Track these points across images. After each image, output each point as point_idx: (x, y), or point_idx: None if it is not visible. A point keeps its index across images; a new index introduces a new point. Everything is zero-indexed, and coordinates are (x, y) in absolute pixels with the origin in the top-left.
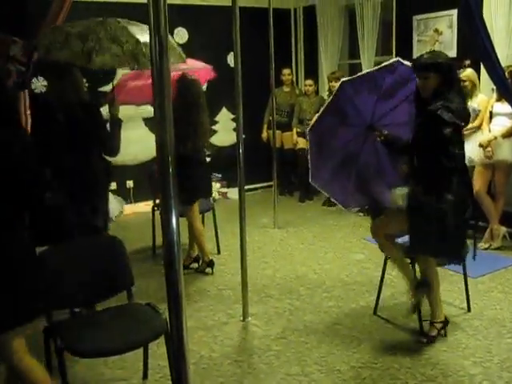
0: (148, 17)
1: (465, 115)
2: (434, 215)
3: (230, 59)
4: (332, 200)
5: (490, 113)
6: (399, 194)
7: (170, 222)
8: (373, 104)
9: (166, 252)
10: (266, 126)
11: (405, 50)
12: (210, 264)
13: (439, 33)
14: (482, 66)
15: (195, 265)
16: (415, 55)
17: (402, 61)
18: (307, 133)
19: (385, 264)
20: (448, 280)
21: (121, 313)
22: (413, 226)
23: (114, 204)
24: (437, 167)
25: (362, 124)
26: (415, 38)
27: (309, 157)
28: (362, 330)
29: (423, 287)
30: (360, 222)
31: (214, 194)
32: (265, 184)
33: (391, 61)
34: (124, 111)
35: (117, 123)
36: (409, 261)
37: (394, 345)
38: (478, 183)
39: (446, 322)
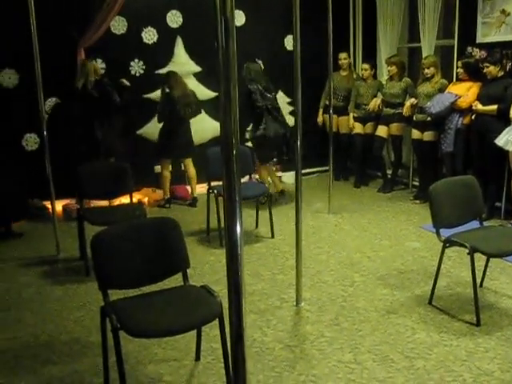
0: None
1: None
2: None
3: (287, 42)
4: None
5: None
6: None
7: (233, 210)
8: None
9: (227, 240)
10: (321, 111)
11: (468, 33)
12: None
13: (506, 14)
14: None
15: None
16: (479, 39)
17: None
18: None
19: (442, 253)
20: (507, 272)
21: (176, 294)
22: None
23: None
24: None
25: None
26: (480, 20)
27: None
28: (417, 319)
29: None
30: (416, 209)
31: (268, 178)
32: (320, 169)
33: None
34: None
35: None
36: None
37: (450, 336)
38: None
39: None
